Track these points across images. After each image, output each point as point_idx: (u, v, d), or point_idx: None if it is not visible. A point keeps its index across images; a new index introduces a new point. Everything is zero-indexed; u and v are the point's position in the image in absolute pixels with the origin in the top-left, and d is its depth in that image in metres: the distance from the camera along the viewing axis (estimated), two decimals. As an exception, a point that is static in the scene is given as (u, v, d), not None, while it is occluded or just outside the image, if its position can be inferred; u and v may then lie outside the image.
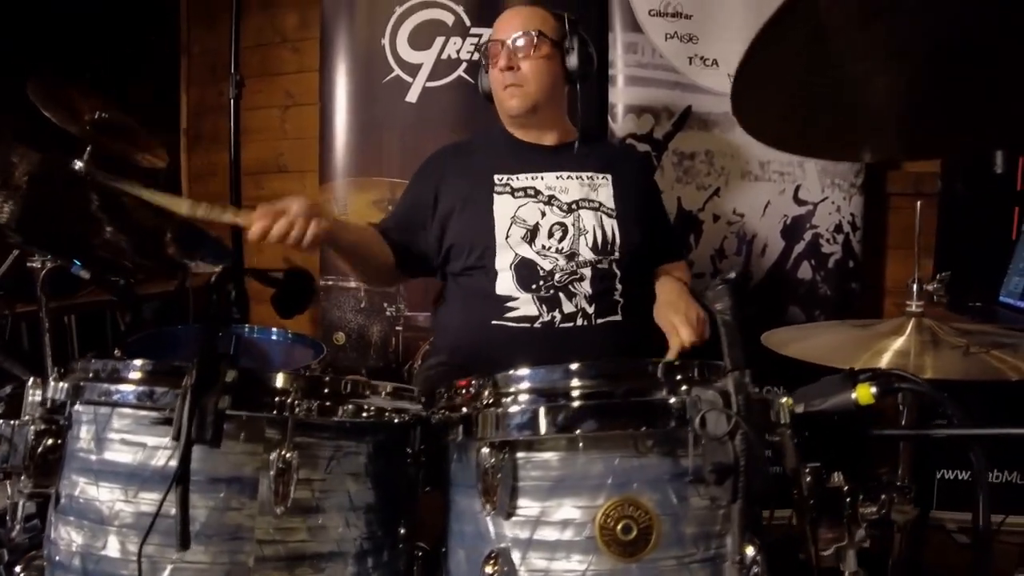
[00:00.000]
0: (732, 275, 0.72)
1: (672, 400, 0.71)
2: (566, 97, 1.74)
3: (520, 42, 1.62)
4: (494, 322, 1.59)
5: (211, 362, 0.67)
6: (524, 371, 0.77)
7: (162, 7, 3.25)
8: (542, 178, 1.68)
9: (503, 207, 1.64)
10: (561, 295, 1.59)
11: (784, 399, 0.79)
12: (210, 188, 3.21)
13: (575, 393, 0.74)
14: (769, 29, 0.73)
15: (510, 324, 1.59)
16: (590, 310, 1.59)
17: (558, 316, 1.58)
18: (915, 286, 1.27)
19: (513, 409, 0.74)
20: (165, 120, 3.29)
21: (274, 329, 2.11)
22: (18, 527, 0.82)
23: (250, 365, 1.99)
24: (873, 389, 0.89)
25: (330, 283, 2.48)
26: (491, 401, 0.75)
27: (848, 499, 0.77)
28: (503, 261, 1.61)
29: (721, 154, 2.43)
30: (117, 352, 1.85)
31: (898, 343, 1.17)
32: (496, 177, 1.67)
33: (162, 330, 2.07)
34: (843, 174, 2.47)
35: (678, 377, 0.74)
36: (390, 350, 2.46)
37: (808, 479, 0.77)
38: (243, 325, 2.13)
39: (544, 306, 1.58)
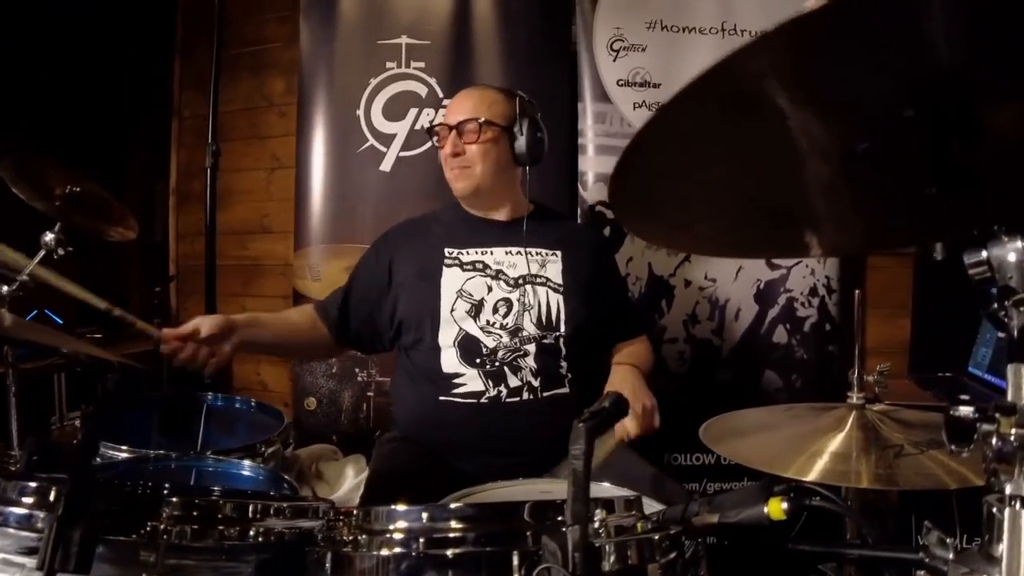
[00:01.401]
0: (606, 403, 0.71)
1: (530, 548, 0.69)
2: (518, 176, 1.76)
3: (465, 128, 1.65)
4: (442, 398, 1.60)
5: (82, 491, 0.68)
6: (393, 508, 0.76)
7: (156, 72, 3.35)
8: (491, 253, 1.70)
9: (450, 280, 1.66)
10: (506, 369, 1.60)
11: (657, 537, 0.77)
12: (196, 247, 3.25)
13: (433, 537, 0.73)
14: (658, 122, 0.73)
15: (457, 400, 1.60)
16: (536, 383, 1.60)
17: (504, 391, 1.59)
18: (855, 378, 1.25)
19: (373, 554, 0.73)
20: (156, 180, 3.36)
21: (238, 397, 2.12)
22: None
23: (215, 431, 1.99)
24: (784, 505, 0.88)
25: (303, 349, 2.49)
26: (351, 539, 0.75)
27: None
28: (447, 337, 1.62)
29: (692, 220, 2.44)
30: (77, 423, 1.86)
31: (837, 442, 1.15)
32: (447, 250, 1.70)
33: (128, 398, 2.07)
34: (816, 238, 2.47)
35: (556, 518, 0.72)
36: (361, 416, 2.46)
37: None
38: (207, 393, 2.14)
39: (490, 381, 1.59)
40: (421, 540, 0.72)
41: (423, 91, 2.47)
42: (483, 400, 1.58)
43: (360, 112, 2.47)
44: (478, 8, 2.47)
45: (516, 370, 1.60)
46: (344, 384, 2.48)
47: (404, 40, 2.47)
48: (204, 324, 1.43)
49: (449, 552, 0.71)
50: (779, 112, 0.64)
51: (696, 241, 1.04)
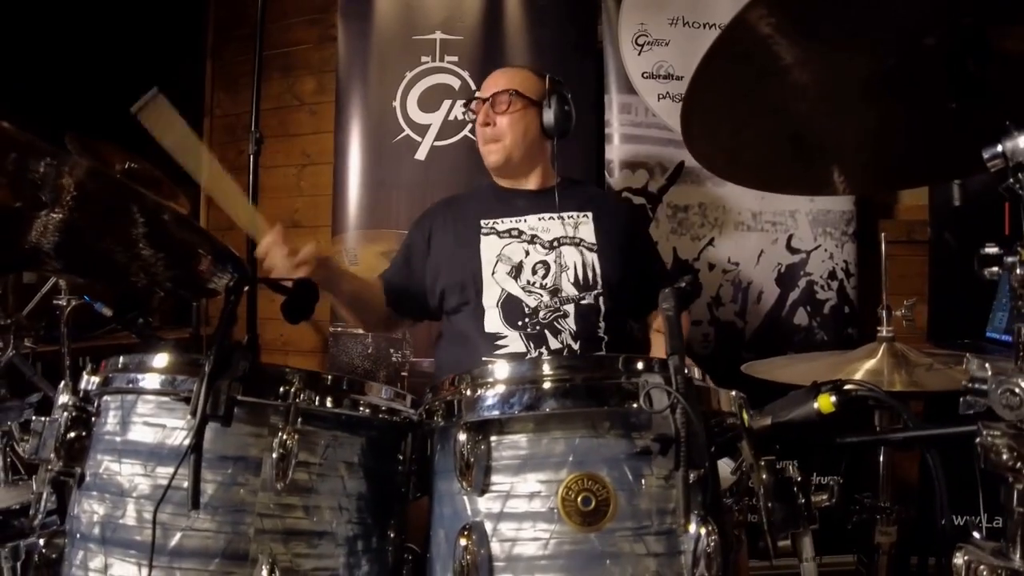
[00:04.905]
0: (683, 284, 0.81)
1: (626, 384, 0.79)
2: (547, 150, 1.85)
3: (497, 99, 1.76)
4: (485, 358, 1.66)
5: (227, 351, 0.77)
6: (497, 364, 0.86)
7: (188, 72, 3.48)
8: (525, 220, 1.78)
9: (489, 247, 1.74)
10: (547, 332, 1.67)
11: (733, 392, 0.87)
12: (226, 242, 3.33)
13: (542, 380, 0.83)
14: (706, 70, 0.85)
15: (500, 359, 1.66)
16: (575, 346, 1.66)
17: (545, 352, 1.65)
18: (884, 312, 1.34)
19: (486, 393, 0.83)
20: (187, 177, 3.47)
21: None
22: (40, 516, 0.90)
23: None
24: (833, 398, 0.96)
25: (338, 330, 2.58)
26: (469, 391, 0.85)
27: (801, 489, 0.83)
28: (490, 298, 1.70)
29: (714, 206, 2.54)
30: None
31: (870, 364, 1.24)
32: (483, 222, 1.78)
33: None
34: (834, 223, 2.57)
35: (636, 366, 0.83)
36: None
37: (764, 473, 0.83)
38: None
39: (531, 343, 1.66)
40: (529, 382, 0.82)
41: (456, 84, 2.59)
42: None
43: (396, 104, 2.59)
44: (508, 5, 2.60)
45: (556, 332, 1.67)
46: (379, 364, 2.56)
47: (438, 35, 2.60)
48: (308, 247, 1.57)
49: (561, 386, 0.81)
50: (808, 52, 0.75)
51: (742, 170, 1.14)
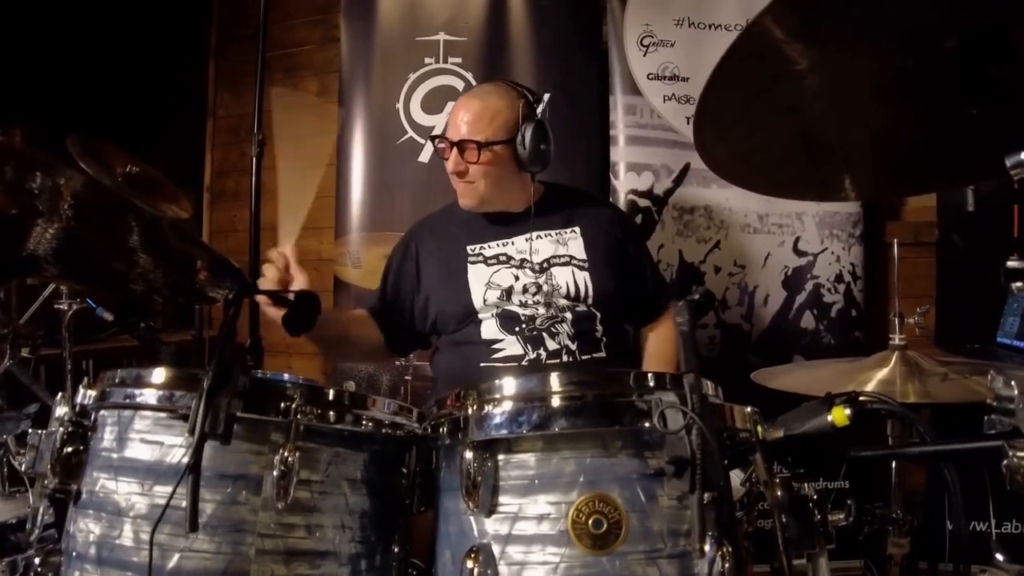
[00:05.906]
0: (696, 296, 0.78)
1: (638, 402, 0.77)
2: (527, 175, 1.73)
3: (465, 147, 1.64)
4: (483, 364, 1.64)
5: (226, 367, 0.75)
6: (504, 379, 0.84)
7: (191, 74, 3.47)
8: (512, 243, 1.73)
9: (477, 275, 1.70)
10: (544, 335, 1.64)
11: (748, 408, 0.84)
12: (229, 243, 3.35)
13: (551, 396, 0.81)
14: (721, 73, 0.83)
15: (498, 364, 1.63)
16: (573, 347, 1.63)
17: (543, 354, 1.62)
18: (897, 320, 1.31)
19: (494, 411, 0.80)
20: (189, 178, 3.46)
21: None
22: (37, 531, 0.88)
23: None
24: (847, 411, 0.94)
25: (342, 332, 2.56)
26: (475, 408, 0.82)
27: (817, 507, 0.81)
28: (485, 313, 1.67)
29: (720, 208, 2.52)
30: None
31: (883, 373, 1.22)
32: (469, 248, 1.73)
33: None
34: (841, 225, 2.54)
35: (649, 384, 0.80)
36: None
37: (779, 491, 0.81)
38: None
39: (529, 345, 1.63)
40: (538, 399, 0.79)
41: (460, 85, 2.57)
42: (523, 363, 1.62)
43: (400, 106, 2.57)
44: (512, 6, 2.58)
45: (554, 335, 1.64)
46: (382, 368, 2.54)
47: (442, 37, 2.58)
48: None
49: (572, 404, 0.79)
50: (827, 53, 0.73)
51: (754, 175, 1.12)
